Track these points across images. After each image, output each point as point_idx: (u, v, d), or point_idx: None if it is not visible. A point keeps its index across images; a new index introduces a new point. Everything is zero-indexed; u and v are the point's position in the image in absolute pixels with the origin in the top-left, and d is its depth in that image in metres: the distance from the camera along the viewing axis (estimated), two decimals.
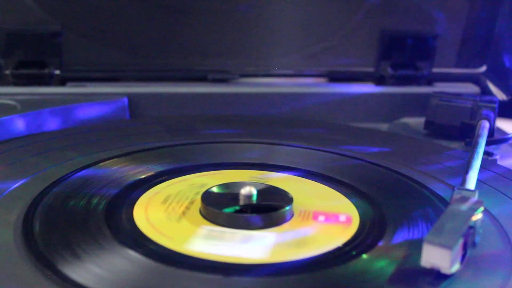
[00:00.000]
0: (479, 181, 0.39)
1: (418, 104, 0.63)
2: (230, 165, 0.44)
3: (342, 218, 0.36)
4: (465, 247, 0.30)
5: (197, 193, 0.38)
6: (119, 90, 0.61)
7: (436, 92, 0.56)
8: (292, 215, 0.36)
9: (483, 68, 0.69)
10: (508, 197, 0.39)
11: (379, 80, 0.68)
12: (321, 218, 0.36)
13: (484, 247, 0.32)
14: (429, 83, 0.68)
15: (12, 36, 0.62)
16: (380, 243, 0.33)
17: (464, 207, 0.32)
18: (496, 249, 0.32)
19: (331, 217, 0.36)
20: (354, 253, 0.32)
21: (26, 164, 0.42)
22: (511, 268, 0.30)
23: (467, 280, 0.29)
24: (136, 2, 0.64)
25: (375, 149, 0.48)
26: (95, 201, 0.36)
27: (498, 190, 0.40)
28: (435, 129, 0.55)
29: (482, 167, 0.41)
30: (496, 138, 0.51)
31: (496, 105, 0.52)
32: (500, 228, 0.35)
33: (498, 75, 0.68)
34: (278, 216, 0.35)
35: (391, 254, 0.32)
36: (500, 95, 0.67)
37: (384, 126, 0.61)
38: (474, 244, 0.31)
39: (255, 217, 0.34)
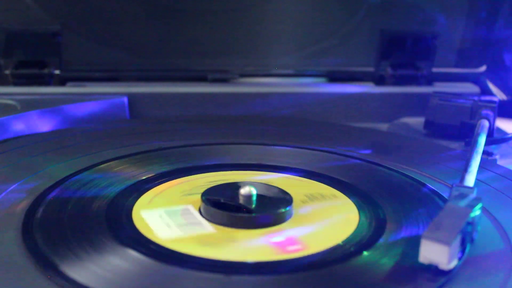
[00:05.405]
0: (478, 181, 0.39)
1: (418, 104, 0.63)
2: (230, 166, 0.44)
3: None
4: (463, 243, 0.30)
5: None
6: (119, 90, 0.61)
7: (436, 92, 0.56)
8: (292, 215, 0.36)
9: (483, 68, 0.69)
10: (508, 197, 0.39)
11: (379, 80, 0.68)
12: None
13: (484, 247, 0.32)
14: (429, 83, 0.68)
15: (12, 36, 0.62)
16: (380, 240, 0.33)
17: (462, 203, 0.32)
18: (496, 249, 0.32)
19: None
20: (352, 249, 0.32)
21: (26, 164, 0.42)
22: (511, 268, 0.30)
23: (467, 279, 0.29)
24: (136, 2, 0.64)
25: (375, 149, 0.48)
26: (95, 201, 0.36)
27: (498, 190, 0.40)
28: (435, 129, 0.55)
29: (482, 167, 0.41)
30: (496, 138, 0.51)
31: (496, 105, 0.52)
32: (500, 228, 0.35)
33: (498, 75, 0.68)
34: (280, 216, 0.35)
35: (390, 251, 0.32)
36: (500, 95, 0.67)
37: (384, 126, 0.61)
38: (472, 241, 0.32)
39: (255, 217, 0.34)
